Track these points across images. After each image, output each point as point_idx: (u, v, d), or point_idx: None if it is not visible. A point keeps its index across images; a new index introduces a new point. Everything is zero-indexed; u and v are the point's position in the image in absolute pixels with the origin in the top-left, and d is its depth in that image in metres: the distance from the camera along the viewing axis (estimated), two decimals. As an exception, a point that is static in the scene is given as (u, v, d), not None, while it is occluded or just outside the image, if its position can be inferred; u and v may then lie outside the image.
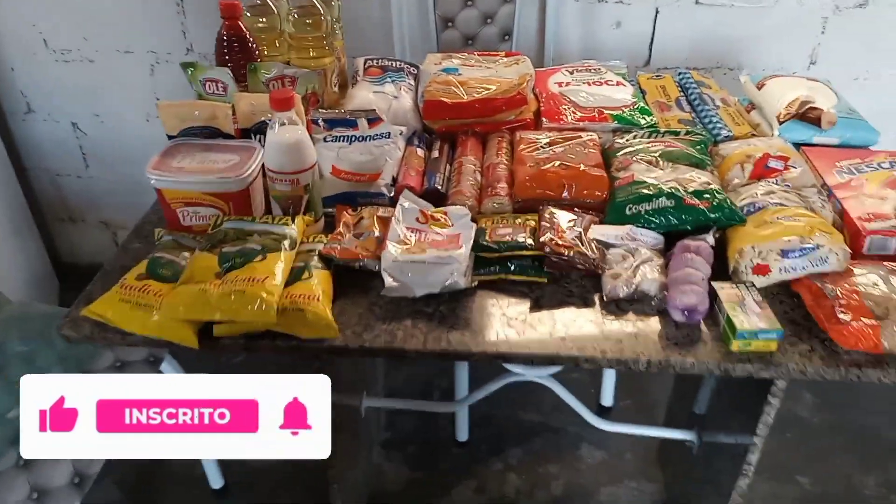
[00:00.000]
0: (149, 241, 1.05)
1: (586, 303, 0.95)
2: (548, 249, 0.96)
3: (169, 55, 1.99)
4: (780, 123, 1.23)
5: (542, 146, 1.18)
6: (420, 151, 1.21)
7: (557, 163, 1.12)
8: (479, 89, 1.27)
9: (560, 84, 1.36)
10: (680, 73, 1.45)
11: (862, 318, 0.83)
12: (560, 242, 0.97)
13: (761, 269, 0.93)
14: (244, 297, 0.85)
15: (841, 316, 0.84)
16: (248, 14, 1.24)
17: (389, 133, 1.16)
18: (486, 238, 1.00)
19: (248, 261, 0.90)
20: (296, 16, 1.24)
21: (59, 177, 2.27)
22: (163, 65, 2.01)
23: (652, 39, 1.87)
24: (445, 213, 1.04)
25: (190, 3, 1.91)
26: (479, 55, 1.44)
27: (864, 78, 1.90)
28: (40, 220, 2.30)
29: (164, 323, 0.86)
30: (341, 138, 1.15)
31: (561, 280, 0.99)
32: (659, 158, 1.11)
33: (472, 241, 0.98)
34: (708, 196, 1.01)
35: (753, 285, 0.92)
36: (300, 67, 1.27)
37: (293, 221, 0.99)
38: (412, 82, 1.38)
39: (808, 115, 1.23)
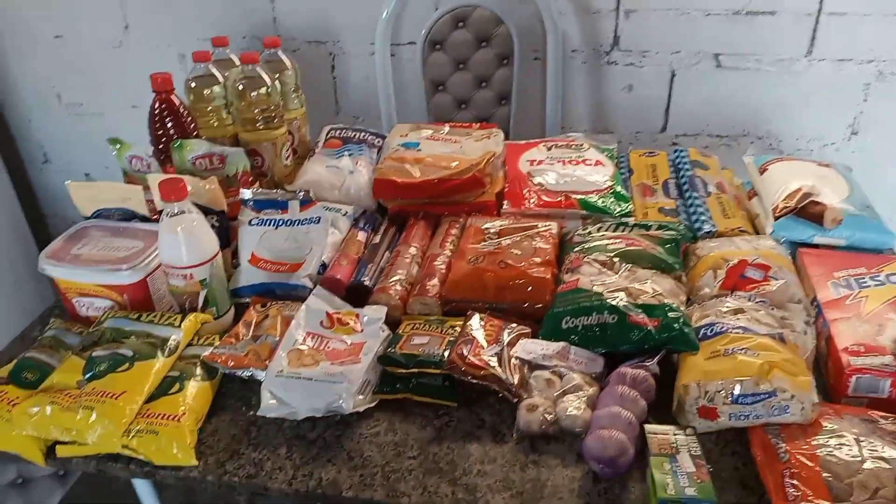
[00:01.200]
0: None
1: (496, 437, 0.80)
2: (458, 368, 0.83)
3: (173, 111, 1.98)
4: (776, 219, 1.05)
5: (489, 236, 1.05)
6: (362, 236, 1.11)
7: (496, 259, 0.98)
8: (435, 168, 1.16)
9: (532, 162, 1.23)
10: (676, 151, 1.29)
11: (813, 499, 0.65)
12: (472, 360, 0.83)
13: (708, 413, 0.77)
14: (91, 417, 0.75)
15: (790, 489, 0.67)
16: (194, 84, 1.18)
17: (319, 218, 1.06)
18: (396, 349, 0.87)
19: (112, 370, 0.81)
20: (240, 87, 1.17)
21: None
22: (167, 120, 2.00)
23: (668, 104, 1.71)
24: (357, 316, 0.92)
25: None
26: (451, 127, 1.32)
27: (915, 151, 1.68)
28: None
29: (11, 436, 0.78)
30: (268, 222, 1.06)
31: (476, 404, 0.85)
32: (615, 259, 0.96)
33: (375, 353, 0.86)
34: (659, 313, 0.85)
35: (695, 432, 0.75)
36: (249, 140, 1.20)
37: (182, 319, 0.90)
38: (374, 156, 1.28)
39: (809, 210, 1.05)
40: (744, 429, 0.78)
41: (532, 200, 1.13)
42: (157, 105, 1.10)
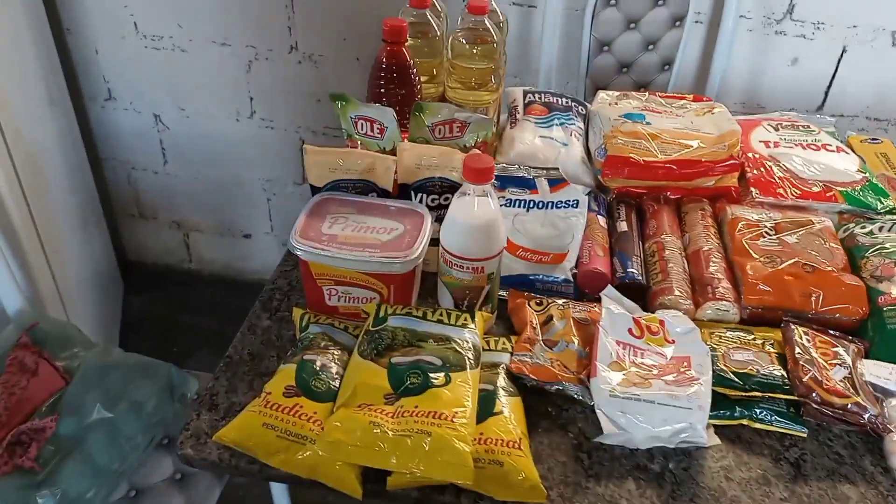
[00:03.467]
0: (282, 320, 0.84)
1: (864, 476, 0.71)
2: (815, 396, 0.72)
3: (270, 52, 1.78)
4: None
5: (766, 232, 0.93)
6: (602, 221, 0.98)
7: (794, 260, 0.88)
8: (674, 146, 1.03)
9: (767, 144, 1.11)
10: (904, 139, 1.19)
11: None
12: (828, 385, 0.73)
13: None
14: (430, 444, 0.63)
15: None
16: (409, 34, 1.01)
17: (577, 201, 0.93)
18: (722, 365, 0.76)
19: (427, 384, 0.68)
20: (462, 40, 1.01)
21: (135, 170, 2.09)
22: (262, 62, 1.80)
23: (831, 82, 1.60)
24: (662, 324, 0.81)
25: (302, -4, 1.69)
26: (661, 97, 1.19)
27: None
28: (108, 213, 2.12)
29: (320, 462, 0.65)
30: (518, 203, 0.92)
31: (820, 434, 0.75)
32: (930, 268, 0.86)
33: (710, 373, 0.74)
34: None
35: None
36: (457, 103, 1.05)
37: (472, 319, 0.77)
38: (581, 126, 1.14)
39: None
40: None
41: (789, 190, 1.02)
42: (384, 58, 0.94)
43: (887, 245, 0.91)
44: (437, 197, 0.88)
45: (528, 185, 0.93)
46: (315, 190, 0.88)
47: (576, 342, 0.78)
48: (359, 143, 0.93)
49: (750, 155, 1.09)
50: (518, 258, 0.89)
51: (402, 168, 0.87)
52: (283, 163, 1.97)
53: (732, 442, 0.73)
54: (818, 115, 1.22)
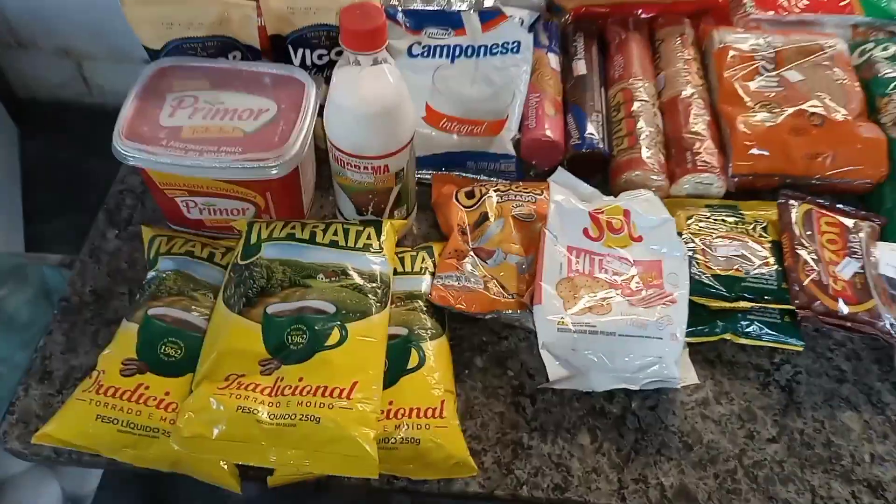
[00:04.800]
0: (136, 238, 0.64)
1: (869, 396, 0.58)
2: (818, 305, 0.57)
3: None
4: None
5: (764, 66, 0.72)
6: (554, 60, 0.75)
7: (798, 108, 0.68)
8: (647, -55, 0.77)
9: (767, -64, 0.85)
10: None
11: None
12: (835, 290, 0.57)
13: None
14: (320, 433, 0.47)
15: None
16: None
17: (519, 44, 0.69)
18: (702, 267, 0.60)
19: (316, 345, 0.51)
20: None
21: (-4, -9, 1.70)
22: None
23: None
24: (626, 216, 0.62)
25: None
26: None
27: None
28: (-21, 46, 1.78)
29: (182, 456, 0.50)
30: (437, 50, 0.68)
31: (818, 342, 0.61)
32: (969, 110, 0.67)
33: (687, 285, 0.58)
34: None
35: None
36: None
37: (378, 235, 0.58)
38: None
39: None
40: None
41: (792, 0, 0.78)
42: None
43: (916, 77, 0.70)
44: (325, 52, 0.64)
45: (451, 22, 0.68)
46: (153, 54, 0.63)
47: (516, 252, 0.60)
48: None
49: (745, -49, 0.82)
50: (442, 131, 0.67)
51: (270, 14, 0.62)
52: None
53: (711, 364, 0.59)
54: None
